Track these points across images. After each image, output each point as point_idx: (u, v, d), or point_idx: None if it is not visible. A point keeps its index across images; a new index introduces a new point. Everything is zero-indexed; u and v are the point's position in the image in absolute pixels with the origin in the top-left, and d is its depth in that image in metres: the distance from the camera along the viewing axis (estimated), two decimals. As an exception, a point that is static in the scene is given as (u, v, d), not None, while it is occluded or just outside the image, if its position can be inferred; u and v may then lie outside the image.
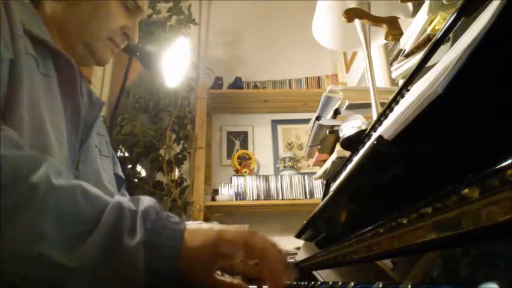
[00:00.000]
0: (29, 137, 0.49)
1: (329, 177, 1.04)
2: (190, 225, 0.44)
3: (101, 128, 0.76)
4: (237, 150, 2.74)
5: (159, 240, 0.40)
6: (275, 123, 2.85)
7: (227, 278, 0.47)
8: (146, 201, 0.44)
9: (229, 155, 2.74)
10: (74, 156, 0.61)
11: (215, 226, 0.44)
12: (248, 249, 0.42)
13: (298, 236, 0.86)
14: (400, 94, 0.48)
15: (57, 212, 0.37)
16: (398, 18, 0.93)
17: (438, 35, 0.41)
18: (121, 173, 0.83)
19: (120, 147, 2.22)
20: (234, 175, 2.49)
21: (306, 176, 2.43)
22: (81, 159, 0.62)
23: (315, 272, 0.65)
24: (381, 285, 0.24)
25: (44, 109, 0.53)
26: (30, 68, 0.53)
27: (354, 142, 0.83)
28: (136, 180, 2.22)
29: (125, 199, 0.43)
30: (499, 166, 0.19)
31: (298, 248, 1.08)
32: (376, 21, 0.94)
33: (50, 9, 0.66)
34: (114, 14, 0.69)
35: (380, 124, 0.53)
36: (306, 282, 0.42)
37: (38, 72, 0.55)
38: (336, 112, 1.06)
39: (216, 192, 2.47)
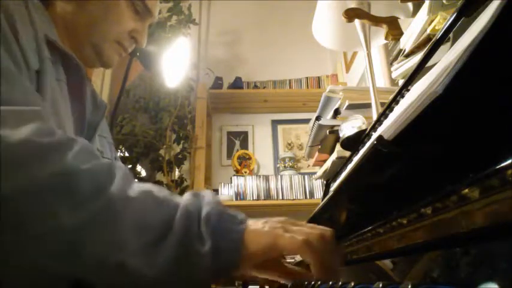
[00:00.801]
0: None
1: (329, 177, 1.04)
2: (250, 225, 0.44)
3: (103, 130, 0.76)
4: (237, 150, 2.74)
5: (222, 245, 0.41)
6: (275, 123, 2.85)
7: (288, 265, 0.49)
8: (207, 200, 0.44)
9: (229, 155, 2.74)
10: None
11: (274, 225, 0.44)
12: (302, 255, 0.43)
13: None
14: (400, 94, 0.48)
15: (133, 221, 0.38)
16: (398, 18, 0.93)
17: (438, 35, 0.41)
18: None
19: (120, 147, 2.22)
20: (234, 175, 2.49)
21: (306, 176, 2.43)
22: None
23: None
24: (380, 285, 0.24)
25: (64, 116, 0.54)
26: (51, 74, 0.53)
27: (354, 142, 0.83)
28: (136, 180, 2.22)
29: (189, 198, 0.44)
30: (499, 166, 0.19)
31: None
32: (376, 21, 0.94)
33: (60, 9, 0.65)
34: (124, 17, 0.69)
35: (380, 124, 0.53)
36: (306, 282, 0.42)
37: (54, 78, 0.55)
38: (336, 112, 1.06)
39: (216, 192, 2.47)
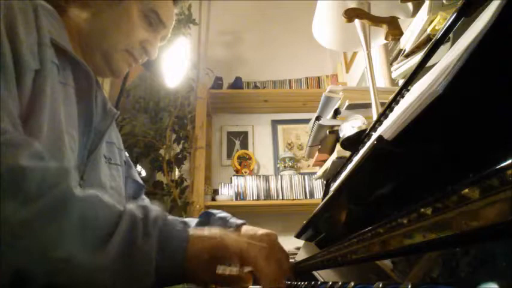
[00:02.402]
0: (47, 144, 0.50)
1: (329, 177, 1.04)
2: (195, 230, 0.51)
3: (112, 135, 0.76)
4: (237, 150, 2.74)
5: (168, 242, 0.46)
6: (275, 123, 2.85)
7: (228, 271, 0.53)
8: (154, 210, 0.49)
9: (229, 155, 2.74)
10: (80, 165, 0.61)
11: (218, 232, 0.51)
12: (242, 259, 0.50)
13: (298, 236, 0.86)
14: (400, 94, 0.48)
15: (81, 219, 0.41)
16: (399, 18, 0.93)
17: (438, 35, 0.41)
18: (138, 178, 0.85)
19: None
20: (234, 175, 2.49)
21: (306, 176, 2.43)
22: (87, 169, 0.62)
23: (315, 272, 0.65)
24: (380, 285, 0.24)
25: (63, 118, 0.54)
26: (53, 76, 0.54)
27: (354, 142, 0.83)
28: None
29: (134, 207, 0.48)
30: (499, 166, 0.19)
31: (298, 248, 1.08)
32: (376, 21, 0.94)
33: (74, 16, 0.66)
34: (136, 27, 0.69)
35: (380, 124, 0.53)
36: (306, 282, 0.42)
37: (58, 81, 0.55)
38: (336, 112, 1.06)
39: (216, 192, 2.47)
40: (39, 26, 0.52)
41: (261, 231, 0.70)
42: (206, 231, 0.51)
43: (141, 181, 0.85)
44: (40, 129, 0.49)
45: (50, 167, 0.42)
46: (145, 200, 0.86)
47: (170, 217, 0.51)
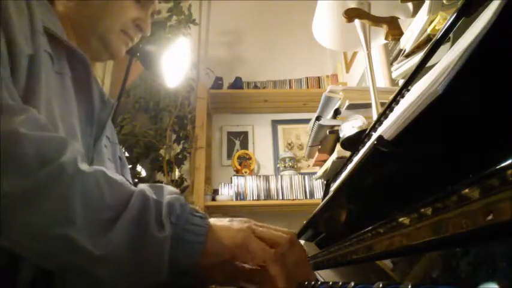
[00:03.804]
0: None
1: (329, 177, 1.04)
2: (215, 221, 0.44)
3: (108, 130, 0.75)
4: (237, 150, 2.74)
5: (184, 235, 0.40)
6: (275, 123, 2.85)
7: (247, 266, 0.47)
8: (169, 191, 0.43)
9: (230, 155, 2.74)
10: (88, 153, 0.61)
11: (240, 225, 0.43)
12: (262, 268, 0.42)
13: (298, 236, 0.86)
14: (400, 94, 0.48)
15: (84, 196, 0.36)
16: (399, 18, 0.93)
17: (438, 35, 0.41)
18: (129, 177, 0.83)
19: (120, 147, 2.21)
20: (234, 175, 2.49)
21: (306, 176, 2.43)
22: (95, 157, 0.62)
23: (315, 272, 0.65)
24: (380, 285, 0.24)
25: (56, 108, 0.53)
26: (47, 65, 0.53)
27: (354, 142, 0.83)
28: (136, 180, 2.22)
29: (147, 187, 0.42)
30: (499, 166, 0.19)
31: (298, 248, 1.08)
32: (376, 21, 0.94)
33: (62, 6, 0.66)
34: (126, 7, 0.70)
35: (380, 124, 0.53)
36: (306, 282, 0.42)
37: (52, 71, 0.55)
38: (336, 112, 1.06)
39: (216, 192, 2.47)
40: (31, 13, 0.52)
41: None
42: (227, 221, 0.44)
43: (130, 179, 0.83)
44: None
45: (52, 137, 0.38)
46: None
47: (186, 201, 0.44)
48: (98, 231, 0.36)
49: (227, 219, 0.45)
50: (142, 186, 0.42)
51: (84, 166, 0.39)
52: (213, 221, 0.44)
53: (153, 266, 0.38)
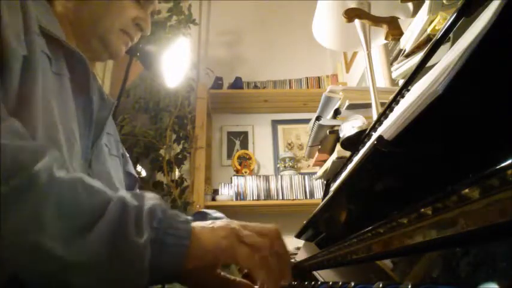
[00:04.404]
0: (41, 136, 0.48)
1: (329, 177, 1.04)
2: (198, 225, 0.43)
3: (110, 127, 0.76)
4: (237, 150, 2.74)
5: (167, 239, 0.39)
6: (275, 123, 2.85)
7: (231, 277, 0.48)
8: (151, 197, 0.43)
9: (230, 155, 2.74)
10: (86, 155, 0.61)
11: (224, 230, 0.43)
12: (244, 265, 0.42)
13: (298, 236, 0.86)
14: (400, 94, 0.48)
15: (58, 203, 0.36)
16: (399, 18, 0.93)
17: (438, 35, 0.41)
18: (133, 171, 0.83)
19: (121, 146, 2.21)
20: (234, 175, 2.49)
21: (306, 176, 2.43)
22: (93, 158, 0.62)
23: (315, 272, 0.65)
24: (381, 285, 0.24)
25: (55, 109, 0.53)
26: (44, 67, 0.53)
27: (354, 142, 0.83)
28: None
29: (127, 194, 0.42)
30: (499, 166, 0.19)
31: (298, 248, 1.08)
32: (376, 21, 0.94)
33: (61, 7, 0.66)
34: (125, 6, 0.70)
35: (380, 124, 0.53)
36: (306, 282, 0.42)
37: (50, 72, 0.55)
38: (336, 112, 1.06)
39: (216, 192, 2.47)
40: (25, 12, 0.51)
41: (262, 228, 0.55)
42: (210, 225, 0.44)
43: (135, 173, 0.83)
44: (35, 119, 0.47)
45: (26, 146, 0.38)
46: None
47: (167, 207, 0.43)
48: (72, 238, 0.35)
49: (209, 222, 0.45)
50: (123, 193, 0.42)
51: (60, 173, 0.38)
52: (196, 224, 0.43)
53: (133, 271, 0.37)
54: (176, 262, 0.40)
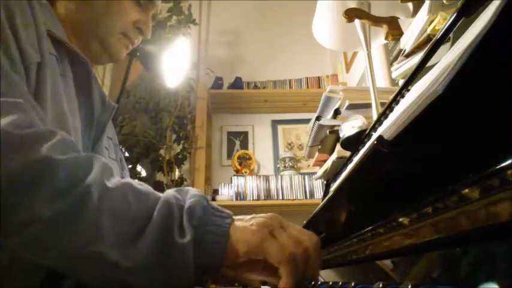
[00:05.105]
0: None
1: (329, 177, 1.04)
2: (237, 220, 0.44)
3: (110, 131, 0.76)
4: (237, 150, 2.74)
5: (207, 237, 0.40)
6: (275, 123, 2.85)
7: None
8: (192, 194, 0.44)
9: (230, 155, 2.74)
10: None
11: (259, 226, 0.42)
12: (273, 260, 0.41)
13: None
14: (400, 94, 0.48)
15: (112, 212, 0.38)
16: (399, 18, 0.93)
17: (438, 35, 0.41)
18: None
19: (120, 147, 2.21)
20: (234, 175, 2.49)
21: (306, 176, 2.43)
22: None
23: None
24: (380, 285, 0.24)
25: (66, 109, 0.54)
26: (53, 68, 0.54)
27: (354, 142, 0.83)
28: (136, 180, 2.22)
29: (172, 193, 0.43)
30: (499, 166, 0.19)
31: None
32: (376, 21, 0.94)
33: (63, 9, 0.66)
34: (126, 9, 0.70)
35: (380, 124, 0.53)
36: (306, 282, 0.42)
37: (58, 72, 0.55)
38: (336, 112, 1.06)
39: (216, 192, 2.47)
40: (36, 19, 0.52)
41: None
42: (248, 221, 0.43)
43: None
44: (45, 121, 0.47)
45: (80, 158, 0.40)
46: None
47: (209, 203, 0.45)
48: (127, 244, 0.37)
49: (250, 217, 0.45)
50: (169, 192, 0.43)
51: (110, 182, 0.40)
52: (235, 220, 0.44)
53: (182, 271, 0.39)
54: (217, 259, 0.41)
